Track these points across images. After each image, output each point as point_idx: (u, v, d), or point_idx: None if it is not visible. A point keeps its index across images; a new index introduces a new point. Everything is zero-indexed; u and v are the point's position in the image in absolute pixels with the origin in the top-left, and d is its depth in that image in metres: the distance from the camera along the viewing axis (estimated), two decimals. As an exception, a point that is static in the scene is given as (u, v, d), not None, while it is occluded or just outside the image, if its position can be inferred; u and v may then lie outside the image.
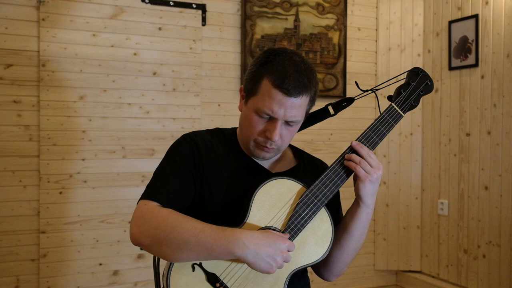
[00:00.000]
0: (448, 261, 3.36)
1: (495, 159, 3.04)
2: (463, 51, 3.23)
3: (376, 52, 3.55)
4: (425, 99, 3.54)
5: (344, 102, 1.43)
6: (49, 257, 2.70)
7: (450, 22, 3.32)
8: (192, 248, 1.14)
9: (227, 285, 1.19)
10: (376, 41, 3.57)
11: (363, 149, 1.26)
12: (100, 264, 2.81)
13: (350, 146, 1.27)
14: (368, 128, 1.29)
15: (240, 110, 1.33)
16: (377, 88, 1.39)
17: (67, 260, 2.74)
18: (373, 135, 1.29)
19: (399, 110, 1.31)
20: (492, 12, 3.05)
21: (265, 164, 1.37)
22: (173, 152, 1.32)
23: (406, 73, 1.37)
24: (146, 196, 1.26)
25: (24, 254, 2.66)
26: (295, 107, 1.23)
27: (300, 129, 1.46)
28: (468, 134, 3.22)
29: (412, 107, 1.35)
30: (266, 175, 1.30)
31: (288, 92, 1.21)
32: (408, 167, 3.58)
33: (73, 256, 2.75)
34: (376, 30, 3.57)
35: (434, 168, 3.47)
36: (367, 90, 1.42)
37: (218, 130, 1.41)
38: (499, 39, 3.02)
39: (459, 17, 3.26)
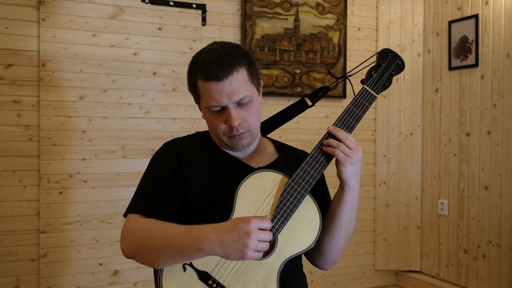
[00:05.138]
0: (448, 261, 3.36)
1: (495, 159, 3.04)
2: (463, 51, 3.23)
3: (376, 52, 3.55)
4: (425, 99, 3.54)
5: (319, 92, 1.45)
6: (49, 257, 2.70)
7: (450, 22, 3.32)
8: (167, 253, 1.17)
9: (219, 281, 1.19)
10: (376, 41, 3.57)
11: (341, 133, 1.26)
12: (100, 264, 2.81)
13: (327, 131, 1.28)
14: (343, 112, 1.30)
15: (204, 118, 1.36)
16: (349, 74, 1.41)
17: (67, 260, 2.74)
18: (349, 119, 1.29)
19: (372, 92, 1.33)
20: (492, 12, 3.05)
21: (245, 158, 1.38)
22: (153, 163, 1.36)
23: (375, 55, 1.37)
24: (130, 209, 1.31)
25: (24, 254, 2.66)
26: (233, 86, 1.25)
27: (281, 123, 1.49)
28: (468, 134, 3.22)
29: (385, 87, 1.36)
30: (247, 169, 1.31)
31: (217, 78, 1.24)
32: (408, 167, 3.58)
33: (73, 256, 2.75)
34: (376, 30, 3.57)
35: (434, 168, 3.47)
36: (340, 77, 1.46)
37: (197, 134, 1.45)
38: (499, 39, 3.02)
39: (459, 17, 3.26)
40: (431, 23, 3.50)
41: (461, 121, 3.26)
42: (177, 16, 2.96)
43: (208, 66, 1.25)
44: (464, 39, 3.22)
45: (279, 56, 3.22)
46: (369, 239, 3.59)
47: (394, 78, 1.40)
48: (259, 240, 1.11)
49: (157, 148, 1.43)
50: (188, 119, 2.98)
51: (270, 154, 1.43)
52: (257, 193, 1.24)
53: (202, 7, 3.02)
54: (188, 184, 1.30)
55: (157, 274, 1.21)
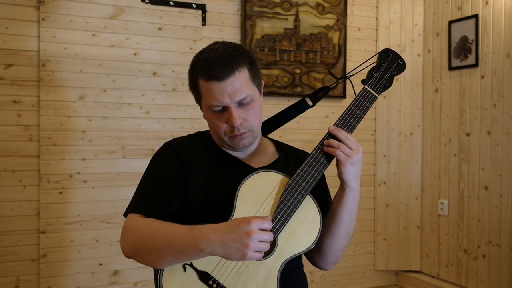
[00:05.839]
0: (448, 261, 3.36)
1: (495, 159, 3.04)
2: (463, 51, 3.23)
3: (376, 52, 3.55)
4: (425, 99, 3.54)
5: (320, 92, 1.45)
6: (49, 257, 2.70)
7: (450, 22, 3.32)
8: (167, 253, 1.17)
9: (219, 281, 1.19)
10: (376, 41, 3.57)
11: (341, 133, 1.26)
12: (100, 264, 2.81)
13: (328, 131, 1.28)
14: (344, 112, 1.30)
15: (205, 118, 1.36)
16: (350, 74, 1.41)
17: (67, 260, 2.74)
18: (350, 119, 1.29)
19: (373, 92, 1.32)
20: (492, 12, 3.05)
21: (246, 158, 1.38)
22: (153, 163, 1.36)
23: (376, 55, 1.37)
24: (130, 209, 1.31)
25: (24, 254, 2.66)
26: (235, 86, 1.25)
27: (281, 123, 1.49)
28: (468, 134, 3.22)
29: (386, 87, 1.36)
30: (248, 170, 1.31)
31: (219, 78, 1.24)
32: (408, 167, 3.58)
33: (73, 256, 2.75)
34: (376, 30, 3.57)
35: (434, 168, 3.47)
36: (340, 77, 1.46)
37: (198, 134, 1.45)
38: (499, 39, 3.02)
39: (459, 17, 3.26)
40: (431, 23, 3.50)
41: (461, 121, 3.26)
42: (177, 16, 2.96)
43: (210, 66, 1.25)
44: (464, 39, 3.22)
45: (279, 56, 3.22)
46: (369, 239, 3.59)
47: (394, 78, 1.40)
48: (259, 241, 1.11)
49: (157, 148, 1.43)
50: (188, 119, 2.98)
51: (270, 154, 1.43)
52: (257, 193, 1.24)
53: (202, 7, 3.02)
54: (188, 184, 1.30)
55: (157, 274, 1.21)
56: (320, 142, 1.28)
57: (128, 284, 2.87)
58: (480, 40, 3.12)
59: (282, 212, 1.22)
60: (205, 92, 1.28)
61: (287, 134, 2.82)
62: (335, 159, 1.27)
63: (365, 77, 1.35)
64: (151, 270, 1.40)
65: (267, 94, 3.15)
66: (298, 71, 3.28)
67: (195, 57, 1.32)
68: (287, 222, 1.22)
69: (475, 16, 3.13)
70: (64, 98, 2.73)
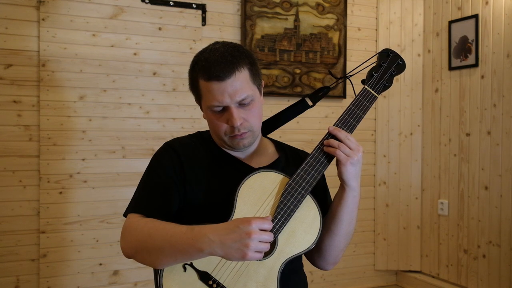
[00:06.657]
0: (448, 261, 3.36)
1: (495, 159, 3.04)
2: (463, 51, 3.23)
3: (376, 52, 3.55)
4: (425, 99, 3.54)
5: (320, 92, 1.45)
6: (49, 257, 2.70)
7: (450, 22, 3.32)
8: (168, 253, 1.17)
9: (219, 281, 1.20)
10: (376, 41, 3.57)
11: (341, 133, 1.26)
12: (100, 264, 2.81)
13: (328, 131, 1.28)
14: (344, 112, 1.30)
15: (205, 118, 1.36)
16: (350, 74, 1.41)
17: (67, 260, 2.74)
18: (350, 119, 1.29)
19: (373, 92, 1.32)
20: (492, 12, 3.05)
21: (246, 158, 1.39)
22: (153, 163, 1.37)
23: (376, 55, 1.37)
24: (130, 209, 1.31)
25: (24, 254, 2.66)
26: (235, 86, 1.25)
27: (281, 123, 1.49)
28: (468, 134, 3.22)
29: (386, 87, 1.36)
30: (248, 170, 1.31)
31: (219, 78, 1.24)
32: (408, 167, 3.58)
33: (73, 256, 2.75)
34: (376, 30, 3.57)
35: (434, 168, 3.47)
36: (340, 77, 1.47)
37: (198, 134, 1.45)
38: (499, 39, 3.02)
39: (459, 17, 3.26)
40: (431, 23, 3.50)
41: (461, 121, 3.26)
42: (177, 16, 2.96)
43: (210, 65, 1.25)
44: (464, 39, 3.22)
45: (279, 56, 3.22)
46: (369, 239, 3.59)
47: (394, 78, 1.40)
48: (260, 241, 1.11)
49: (157, 148, 1.43)
50: (188, 119, 2.98)
51: (270, 154, 1.43)
52: (257, 193, 1.24)
53: (202, 7, 3.02)
54: (188, 184, 1.30)
55: (157, 274, 1.21)
56: (320, 142, 1.28)
57: (128, 284, 2.87)
58: (480, 40, 3.12)
59: (282, 212, 1.22)
60: (206, 92, 1.28)
61: (287, 134, 2.83)
62: (335, 159, 1.27)
63: (365, 77, 1.35)
64: (151, 270, 1.40)
65: (267, 94, 3.15)
66: (298, 71, 3.28)
67: (195, 57, 1.32)
68: (287, 222, 1.22)
69: (475, 16, 3.13)
70: (64, 98, 2.73)
